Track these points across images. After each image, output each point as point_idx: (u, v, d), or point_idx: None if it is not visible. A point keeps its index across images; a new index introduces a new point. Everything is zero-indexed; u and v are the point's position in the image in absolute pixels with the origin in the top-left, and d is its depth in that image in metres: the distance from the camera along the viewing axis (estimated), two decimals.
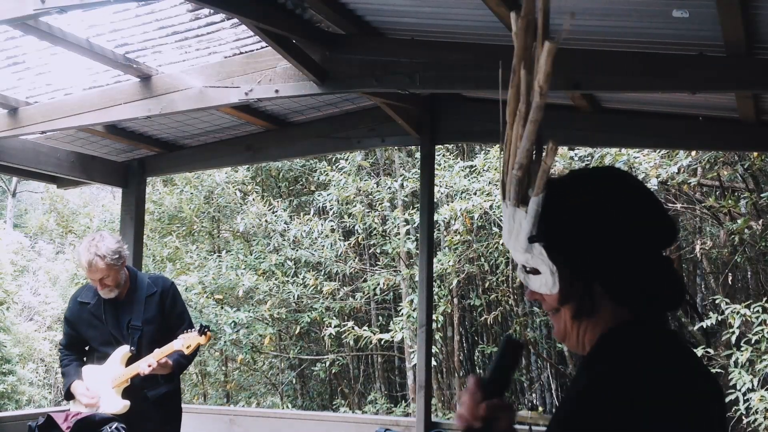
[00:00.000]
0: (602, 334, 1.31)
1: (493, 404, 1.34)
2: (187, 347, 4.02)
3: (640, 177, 8.24)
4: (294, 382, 12.06)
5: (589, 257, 1.29)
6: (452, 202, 9.40)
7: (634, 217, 1.30)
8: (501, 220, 9.49)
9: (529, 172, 1.32)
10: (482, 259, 9.81)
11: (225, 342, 10.61)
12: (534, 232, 1.31)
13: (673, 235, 1.35)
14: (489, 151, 9.52)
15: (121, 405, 4.06)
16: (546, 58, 1.33)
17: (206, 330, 4.05)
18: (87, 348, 4.32)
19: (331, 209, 10.55)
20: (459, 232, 9.44)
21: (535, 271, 1.34)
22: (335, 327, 10.11)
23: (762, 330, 7.20)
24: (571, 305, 1.32)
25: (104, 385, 4.11)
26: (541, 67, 1.33)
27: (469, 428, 1.35)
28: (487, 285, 10.18)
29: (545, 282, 1.33)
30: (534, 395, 10.64)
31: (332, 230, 10.61)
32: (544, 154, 1.32)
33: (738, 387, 7.19)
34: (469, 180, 9.40)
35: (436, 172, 6.51)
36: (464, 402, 1.36)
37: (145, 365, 3.99)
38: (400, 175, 10.41)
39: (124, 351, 4.11)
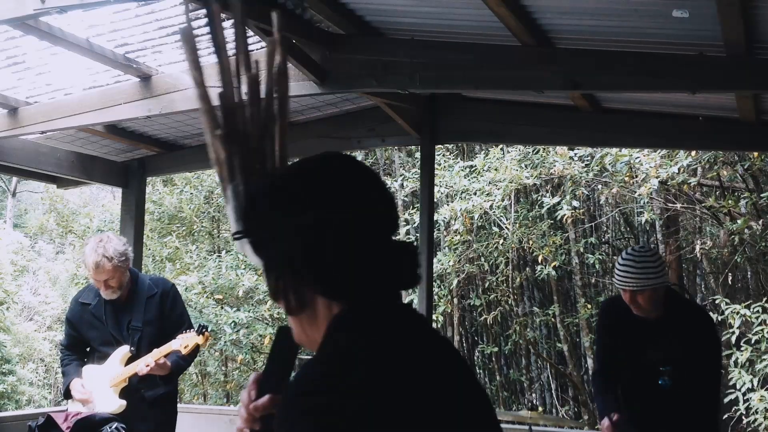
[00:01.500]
0: (327, 327, 1.21)
1: (264, 403, 1.21)
2: (185, 347, 4.02)
3: (640, 177, 8.25)
4: None
5: (282, 251, 1.19)
6: (452, 202, 9.41)
7: (335, 207, 1.19)
8: (501, 220, 9.50)
9: (226, 162, 1.27)
10: (482, 259, 9.81)
11: (225, 342, 10.60)
12: (237, 227, 1.24)
13: (392, 219, 1.26)
14: (489, 151, 9.52)
15: (117, 404, 4.06)
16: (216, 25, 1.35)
17: (204, 330, 4.05)
18: (88, 349, 4.32)
19: None
20: (459, 232, 9.44)
21: None
22: None
23: (762, 330, 7.20)
24: (282, 302, 1.22)
25: (102, 385, 4.11)
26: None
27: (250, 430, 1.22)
28: (487, 285, 10.18)
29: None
30: (534, 395, 10.64)
31: None
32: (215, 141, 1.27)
33: (738, 387, 7.19)
34: (469, 180, 9.40)
35: (436, 172, 6.51)
36: (241, 402, 1.24)
37: (143, 365, 3.99)
38: (400, 175, 10.41)
39: (123, 351, 4.11)
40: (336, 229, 1.17)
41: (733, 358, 7.26)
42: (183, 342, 4.02)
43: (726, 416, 7.53)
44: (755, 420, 7.21)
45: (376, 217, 1.23)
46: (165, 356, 4.04)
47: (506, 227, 9.51)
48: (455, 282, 9.82)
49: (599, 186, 9.16)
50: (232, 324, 10.36)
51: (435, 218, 7.76)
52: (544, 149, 8.92)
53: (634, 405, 3.60)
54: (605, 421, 3.47)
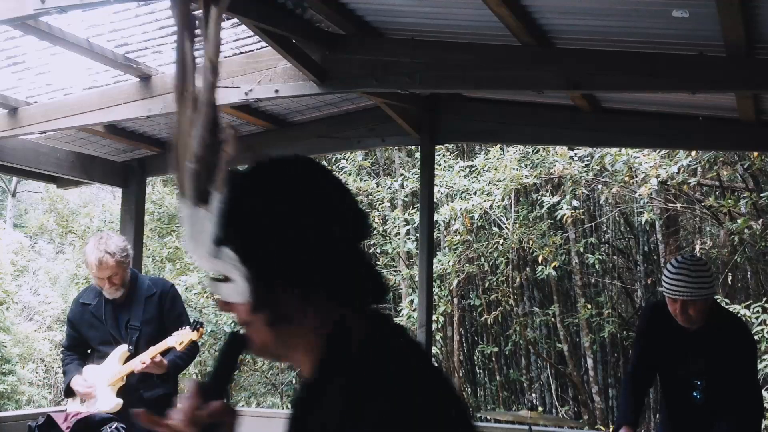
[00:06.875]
0: (329, 335, 1.16)
1: (216, 408, 1.19)
2: (180, 343, 4.03)
3: (640, 177, 8.25)
4: (294, 382, 12.06)
5: (282, 259, 1.13)
6: (452, 202, 9.40)
7: (326, 212, 1.16)
8: (501, 220, 9.50)
9: (208, 166, 1.18)
10: (482, 259, 9.81)
11: None
12: (221, 234, 1.16)
13: (366, 227, 1.22)
14: (489, 151, 9.52)
15: (114, 403, 4.07)
16: (213, 24, 1.15)
17: (199, 326, 4.07)
18: (89, 351, 4.33)
19: None
20: (459, 232, 9.44)
21: (226, 279, 1.18)
22: None
23: (762, 330, 7.20)
24: (265, 313, 1.16)
25: (100, 383, 4.12)
26: (210, 36, 1.16)
27: None
28: (487, 285, 10.17)
29: (238, 290, 1.16)
30: (534, 395, 10.64)
31: None
32: (223, 143, 1.18)
33: None
34: (469, 180, 9.40)
35: (436, 172, 6.51)
36: (182, 409, 1.19)
37: (138, 363, 4.01)
38: (400, 175, 10.41)
39: (122, 350, 4.12)
40: (324, 237, 1.14)
41: None
42: (178, 339, 4.04)
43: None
44: None
45: (351, 227, 1.19)
46: (162, 355, 4.05)
47: (506, 227, 9.51)
48: (455, 282, 9.82)
49: (599, 186, 9.16)
50: (232, 324, 10.37)
51: (435, 218, 7.76)
52: (544, 149, 8.92)
53: (672, 413, 3.57)
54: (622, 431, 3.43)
